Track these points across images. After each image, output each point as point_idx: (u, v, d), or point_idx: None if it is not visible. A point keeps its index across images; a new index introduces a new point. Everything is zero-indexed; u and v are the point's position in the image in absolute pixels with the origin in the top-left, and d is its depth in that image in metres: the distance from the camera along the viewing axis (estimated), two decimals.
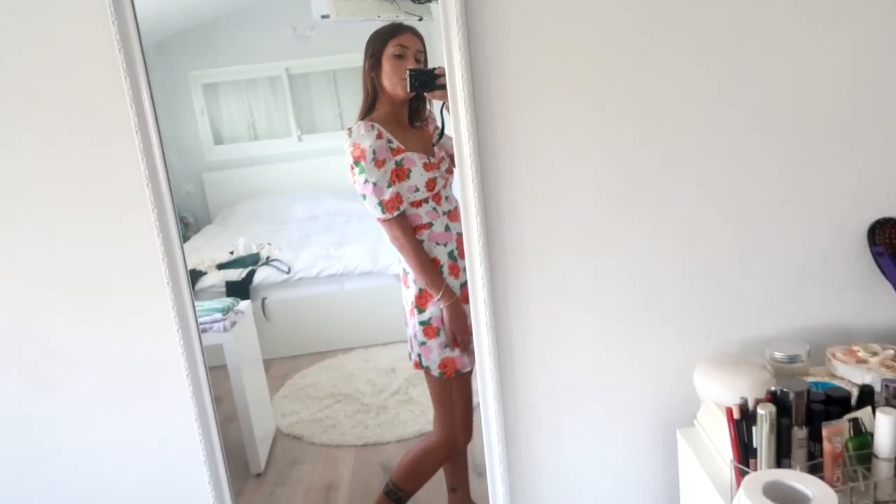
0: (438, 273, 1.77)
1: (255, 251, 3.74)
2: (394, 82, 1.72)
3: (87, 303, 1.51)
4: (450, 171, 1.78)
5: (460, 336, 1.78)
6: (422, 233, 1.77)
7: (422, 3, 3.51)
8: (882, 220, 1.56)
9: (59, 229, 1.47)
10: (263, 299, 3.45)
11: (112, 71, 1.38)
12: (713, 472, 1.37)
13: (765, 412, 1.18)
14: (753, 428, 1.20)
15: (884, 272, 1.53)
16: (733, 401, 1.28)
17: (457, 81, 1.39)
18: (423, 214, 1.76)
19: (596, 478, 1.69)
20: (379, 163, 1.69)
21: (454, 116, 1.42)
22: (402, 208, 1.72)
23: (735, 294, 1.60)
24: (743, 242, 1.58)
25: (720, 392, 1.37)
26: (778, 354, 1.47)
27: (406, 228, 1.74)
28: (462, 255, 1.75)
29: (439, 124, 1.79)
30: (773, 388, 1.25)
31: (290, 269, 3.46)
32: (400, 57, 1.71)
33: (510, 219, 1.50)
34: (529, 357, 1.60)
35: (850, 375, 1.41)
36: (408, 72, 1.64)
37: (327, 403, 2.90)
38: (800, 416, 1.19)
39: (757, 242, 1.58)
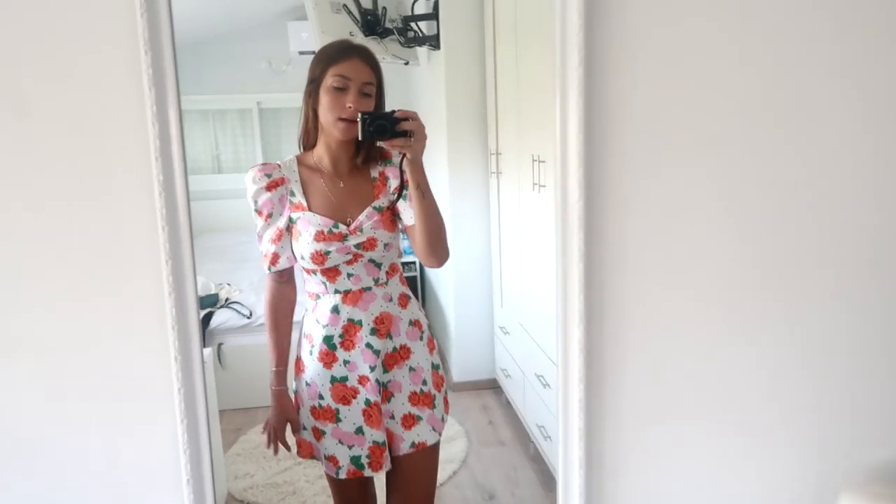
0: (280, 350, 1.53)
1: (213, 291, 3.48)
2: (329, 120, 1.39)
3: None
4: (368, 248, 1.44)
5: (274, 429, 1.53)
6: (308, 301, 1.53)
7: (410, 48, 3.43)
8: None
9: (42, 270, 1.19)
10: (220, 345, 3.18)
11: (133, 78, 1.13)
12: None
13: None
14: None
15: None
16: None
17: (570, 143, 1.19)
18: (313, 284, 1.50)
19: None
20: (263, 216, 1.46)
21: (561, 180, 1.20)
22: (277, 268, 1.48)
23: (880, 406, 1.35)
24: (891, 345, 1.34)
25: None
26: None
27: (274, 290, 1.53)
28: (348, 347, 1.47)
29: (396, 182, 1.48)
30: None
31: (251, 314, 3.20)
32: (340, 90, 1.37)
33: (612, 302, 1.27)
34: (621, 470, 1.32)
35: None
36: (360, 115, 1.31)
37: (286, 465, 2.62)
38: None
39: None
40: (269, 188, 1.44)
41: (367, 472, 1.51)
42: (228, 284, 3.63)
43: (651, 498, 1.36)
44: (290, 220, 1.46)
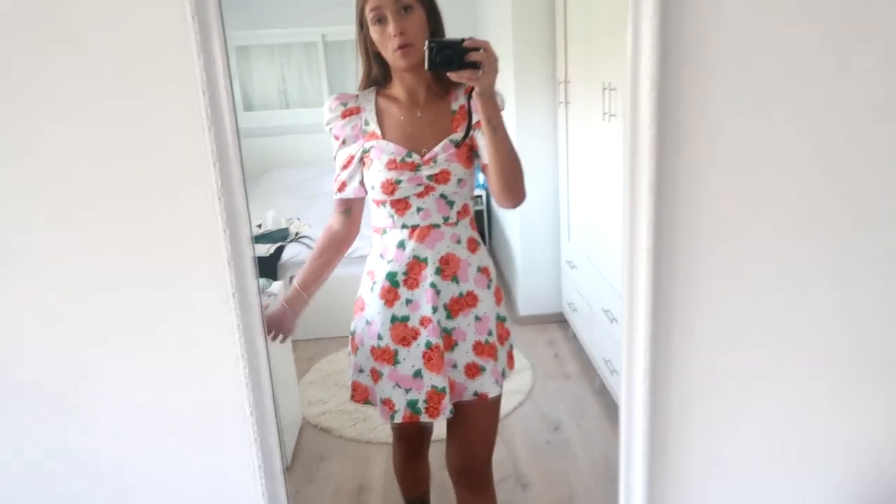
0: (311, 271, 1.49)
1: (284, 226, 3.56)
2: (388, 51, 1.34)
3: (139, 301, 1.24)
4: (441, 181, 1.39)
5: (269, 324, 1.44)
6: (374, 236, 1.48)
7: None
8: None
9: (97, 221, 1.19)
10: (291, 277, 3.27)
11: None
12: None
13: None
14: None
15: None
16: None
17: (642, 67, 1.10)
18: (380, 217, 1.45)
19: None
20: (338, 140, 1.45)
21: (633, 134, 1.14)
22: (343, 195, 1.46)
23: None
24: None
25: None
26: None
27: (333, 219, 1.51)
28: (412, 286, 1.41)
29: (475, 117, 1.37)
30: None
31: None
32: (379, 21, 1.33)
33: (686, 264, 1.20)
34: (695, 408, 1.28)
35: None
36: (426, 44, 1.22)
37: None
38: None
39: None
40: (343, 116, 1.43)
41: (424, 419, 1.45)
42: (298, 219, 3.71)
43: (717, 436, 1.32)
44: (364, 149, 1.43)
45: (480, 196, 4.14)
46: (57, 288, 1.23)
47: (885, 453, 1.31)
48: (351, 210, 1.49)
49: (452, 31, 1.39)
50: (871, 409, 1.30)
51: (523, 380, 2.72)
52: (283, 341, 1.49)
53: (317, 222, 3.53)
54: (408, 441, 1.68)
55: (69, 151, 1.16)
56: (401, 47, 1.32)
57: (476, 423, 1.51)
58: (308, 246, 3.30)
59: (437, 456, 1.69)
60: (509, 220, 3.46)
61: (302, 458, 2.34)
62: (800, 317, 1.26)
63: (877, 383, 1.29)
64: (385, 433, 2.41)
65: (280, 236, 3.47)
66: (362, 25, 1.37)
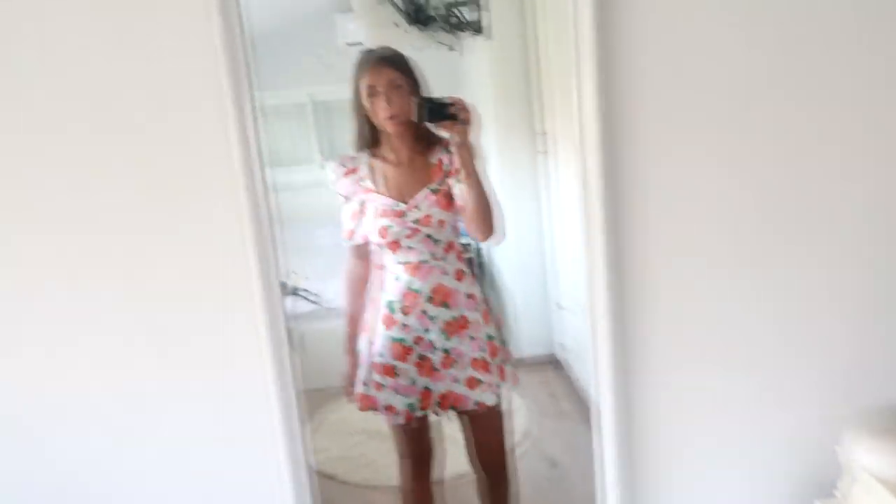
0: (351, 312, 1.77)
1: (282, 280, 3.66)
2: (379, 119, 1.60)
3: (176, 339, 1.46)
4: (425, 223, 1.62)
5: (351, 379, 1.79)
6: (376, 272, 1.74)
7: (454, 34, 3.50)
8: None
9: (144, 267, 1.41)
10: (289, 330, 3.36)
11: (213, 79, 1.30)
12: None
13: None
14: None
15: None
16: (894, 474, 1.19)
17: (586, 116, 1.33)
18: (379, 256, 1.72)
19: None
20: (343, 197, 1.72)
21: (581, 155, 1.36)
22: (353, 241, 1.73)
23: (879, 352, 1.48)
24: (888, 293, 1.46)
25: (880, 465, 1.27)
26: None
27: (349, 263, 1.77)
28: (406, 312, 1.66)
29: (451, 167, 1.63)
30: None
31: (319, 299, 3.38)
32: (373, 95, 1.58)
33: (637, 264, 1.42)
34: (657, 417, 1.49)
35: None
36: (417, 101, 1.50)
37: (359, 440, 2.80)
38: None
39: None
40: (345, 175, 1.70)
41: (418, 413, 1.71)
42: (295, 273, 3.83)
43: (674, 440, 1.52)
44: (361, 201, 1.68)
45: (469, 244, 4.27)
46: (122, 344, 1.44)
47: (822, 445, 1.48)
48: (362, 252, 1.74)
49: (436, 90, 1.65)
50: (805, 406, 1.50)
51: (520, 420, 2.81)
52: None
53: (314, 275, 3.64)
54: (412, 458, 1.85)
55: (127, 210, 1.38)
56: (390, 117, 1.57)
57: (485, 428, 1.77)
58: (308, 299, 3.40)
59: (441, 496, 1.84)
60: (498, 266, 3.60)
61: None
62: (736, 332, 1.47)
63: (809, 383, 1.50)
64: (388, 476, 2.48)
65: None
66: (357, 95, 1.61)
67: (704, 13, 1.33)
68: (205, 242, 1.40)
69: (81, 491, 1.52)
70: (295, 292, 3.56)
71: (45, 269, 1.40)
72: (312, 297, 3.35)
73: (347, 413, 3.07)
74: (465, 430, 1.83)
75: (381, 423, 2.88)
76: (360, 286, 1.76)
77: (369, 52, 1.63)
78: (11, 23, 1.29)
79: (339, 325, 3.28)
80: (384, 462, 2.61)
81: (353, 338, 1.78)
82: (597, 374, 1.47)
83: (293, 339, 3.17)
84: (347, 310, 1.78)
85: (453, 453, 2.57)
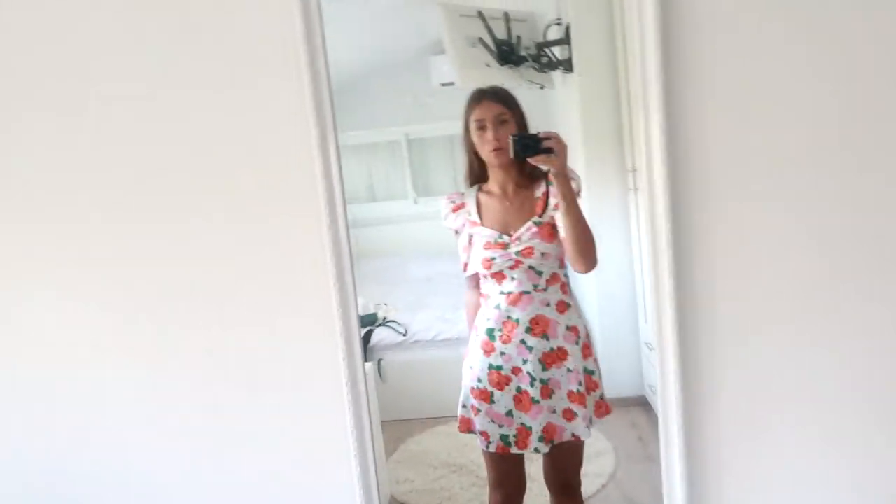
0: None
1: (372, 311, 3.78)
2: (484, 153, 1.71)
3: (256, 368, 1.55)
4: (527, 255, 1.68)
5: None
6: (481, 300, 1.80)
7: (544, 73, 3.55)
8: None
9: (234, 297, 1.53)
10: (379, 360, 3.45)
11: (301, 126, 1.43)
12: None
13: None
14: None
15: None
16: None
17: (655, 167, 1.37)
18: (484, 286, 1.78)
19: None
20: (453, 231, 1.82)
21: (650, 200, 1.39)
22: (467, 274, 1.81)
23: None
24: None
25: None
26: None
27: (468, 291, 1.85)
28: (505, 341, 1.71)
29: (555, 200, 1.68)
30: None
31: (406, 331, 3.45)
32: (482, 128, 1.69)
33: (704, 306, 1.42)
34: (722, 470, 1.47)
35: None
36: (510, 137, 1.58)
37: (442, 473, 2.81)
38: None
39: None
40: (454, 210, 1.81)
41: (513, 450, 1.73)
42: (386, 304, 3.93)
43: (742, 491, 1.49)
44: (470, 234, 1.77)
45: None
46: (204, 378, 1.57)
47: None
48: (476, 283, 1.83)
49: (529, 124, 1.73)
50: (878, 462, 1.44)
51: (606, 462, 2.73)
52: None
53: (404, 307, 3.72)
54: (503, 491, 1.84)
55: (225, 255, 1.52)
56: (495, 150, 1.67)
57: (568, 456, 1.81)
58: (395, 330, 3.48)
59: None
60: (588, 304, 3.55)
61: None
62: (803, 386, 1.43)
63: (879, 435, 1.43)
64: None
65: (368, 321, 3.68)
66: (467, 130, 1.72)
67: (776, 60, 1.33)
68: (290, 279, 1.51)
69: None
70: (384, 323, 3.65)
71: (148, 302, 1.55)
72: (400, 329, 3.42)
73: (432, 445, 3.10)
74: (547, 459, 1.84)
75: (464, 458, 2.90)
76: (476, 314, 1.83)
77: (479, 89, 1.75)
78: (130, 79, 1.46)
79: (425, 357, 3.33)
80: (465, 497, 2.60)
81: None
82: (665, 419, 1.45)
83: (381, 371, 3.25)
84: (471, 322, 1.84)
85: (534, 493, 2.54)
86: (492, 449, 1.75)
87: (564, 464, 1.83)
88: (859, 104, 1.33)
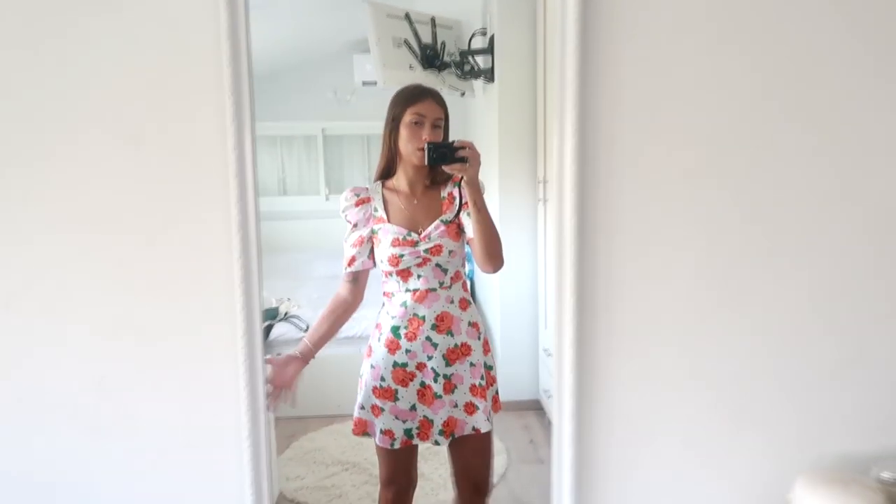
0: (321, 330, 1.75)
1: (274, 305, 3.69)
2: (409, 150, 1.69)
3: (154, 352, 1.47)
4: (435, 253, 1.70)
5: (273, 384, 1.66)
6: (384, 299, 1.79)
7: (466, 80, 3.61)
8: None
9: (133, 273, 1.44)
10: (277, 355, 3.36)
11: (217, 114, 1.39)
12: None
13: None
14: None
15: None
16: None
17: (566, 158, 1.40)
18: (388, 284, 1.77)
19: None
20: (350, 224, 1.77)
21: (559, 194, 1.43)
22: (353, 269, 1.76)
23: (832, 405, 1.51)
24: (844, 349, 1.50)
25: None
26: (886, 475, 1.37)
27: (342, 287, 1.79)
28: (411, 338, 1.71)
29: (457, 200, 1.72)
30: None
31: (307, 327, 3.38)
32: (417, 124, 1.67)
33: (603, 304, 1.46)
34: (609, 454, 1.51)
35: None
36: (426, 145, 1.59)
37: (334, 471, 2.77)
38: None
39: (860, 351, 1.50)
40: (357, 204, 1.76)
41: (416, 441, 1.75)
42: (288, 299, 3.84)
43: (628, 488, 1.55)
44: (373, 230, 1.75)
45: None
46: (100, 352, 1.48)
47: (775, 494, 1.50)
48: (357, 280, 1.79)
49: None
50: (761, 456, 1.52)
51: (498, 462, 2.78)
52: (285, 400, 1.69)
53: (307, 303, 3.66)
54: (396, 486, 1.81)
55: (118, 221, 1.44)
56: (423, 149, 1.62)
57: (475, 453, 1.81)
58: (297, 326, 3.41)
59: None
60: (491, 307, 3.62)
61: None
62: (701, 381, 1.50)
63: (766, 433, 1.52)
64: None
65: (269, 315, 3.58)
66: (396, 124, 1.69)
67: (681, 68, 1.41)
68: (193, 265, 1.45)
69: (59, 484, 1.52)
70: (286, 318, 3.57)
71: (38, 264, 1.44)
72: (301, 325, 3.35)
73: (326, 443, 3.05)
74: (455, 455, 1.84)
75: (358, 456, 2.88)
76: (341, 309, 1.78)
77: (418, 86, 1.74)
78: (40, 33, 1.38)
79: (324, 353, 3.27)
80: (357, 494, 2.58)
81: (307, 350, 1.74)
82: (560, 418, 1.49)
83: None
84: (319, 325, 1.77)
85: (426, 492, 2.55)
86: (396, 446, 1.74)
87: (473, 461, 1.83)
88: (756, 118, 1.43)
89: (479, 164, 1.58)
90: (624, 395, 1.50)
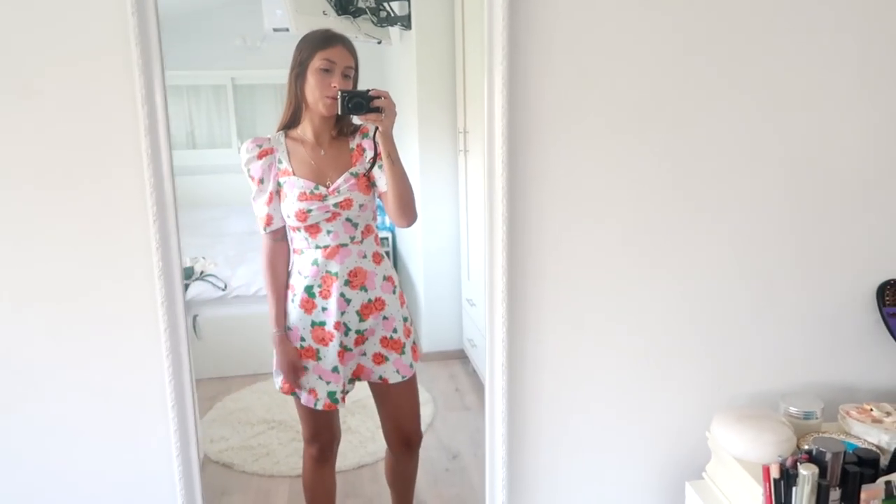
0: (278, 299, 1.71)
1: (188, 265, 3.54)
2: (316, 97, 1.58)
3: (66, 315, 1.41)
4: (345, 207, 1.63)
5: (283, 372, 1.70)
6: (293, 257, 1.73)
7: (382, 27, 3.50)
8: (892, 281, 1.60)
9: (40, 233, 1.37)
10: (195, 316, 3.25)
11: (124, 64, 1.31)
12: None
13: (808, 473, 1.17)
14: (794, 488, 1.19)
15: (892, 333, 1.57)
16: (757, 456, 1.30)
17: (496, 110, 1.39)
18: (296, 240, 1.69)
19: None
20: (255, 181, 1.66)
21: (489, 148, 1.41)
22: (273, 227, 1.68)
23: (745, 347, 1.62)
24: (756, 296, 1.60)
25: (743, 447, 1.36)
26: (793, 410, 1.47)
27: (270, 247, 1.70)
28: (324, 295, 1.66)
29: (371, 152, 1.64)
30: (809, 448, 1.25)
31: (225, 286, 3.28)
32: (326, 71, 1.56)
33: (533, 255, 1.49)
34: (540, 400, 1.57)
35: (866, 434, 1.41)
36: (339, 93, 1.49)
37: (260, 430, 2.73)
38: (835, 477, 1.20)
39: (770, 297, 1.61)
40: (259, 157, 1.64)
41: (340, 406, 1.74)
42: (203, 258, 3.70)
43: (557, 430, 1.63)
44: (279, 184, 1.64)
45: (387, 238, 4.28)
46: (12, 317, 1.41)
47: (695, 433, 1.62)
48: (282, 236, 1.72)
49: (362, 83, 1.66)
50: (681, 397, 1.64)
51: (425, 412, 2.82)
52: (301, 375, 1.71)
53: (223, 261, 3.53)
54: (320, 443, 1.81)
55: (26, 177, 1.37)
56: (333, 98, 1.55)
57: (399, 402, 1.81)
58: (215, 285, 3.30)
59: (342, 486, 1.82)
60: (413, 260, 3.62)
61: (204, 493, 2.33)
62: (623, 325, 1.59)
63: (686, 376, 1.63)
64: (288, 467, 2.45)
65: (185, 275, 3.44)
66: (302, 70, 1.59)
67: (612, 23, 1.43)
68: (106, 221, 1.39)
69: None
70: (202, 277, 3.44)
71: None
72: (219, 284, 3.25)
73: (251, 402, 3.00)
74: (381, 404, 1.84)
75: (285, 414, 2.85)
76: (283, 269, 1.72)
77: (327, 31, 1.62)
78: None
79: (245, 312, 3.18)
80: (284, 452, 2.56)
81: (280, 322, 1.71)
82: (491, 364, 1.52)
83: (197, 327, 3.06)
84: (272, 294, 1.71)
85: (354, 445, 2.57)
86: (319, 406, 1.70)
87: (397, 412, 1.83)
88: (686, 70, 1.47)
89: (394, 115, 1.51)
90: (553, 344, 1.55)
